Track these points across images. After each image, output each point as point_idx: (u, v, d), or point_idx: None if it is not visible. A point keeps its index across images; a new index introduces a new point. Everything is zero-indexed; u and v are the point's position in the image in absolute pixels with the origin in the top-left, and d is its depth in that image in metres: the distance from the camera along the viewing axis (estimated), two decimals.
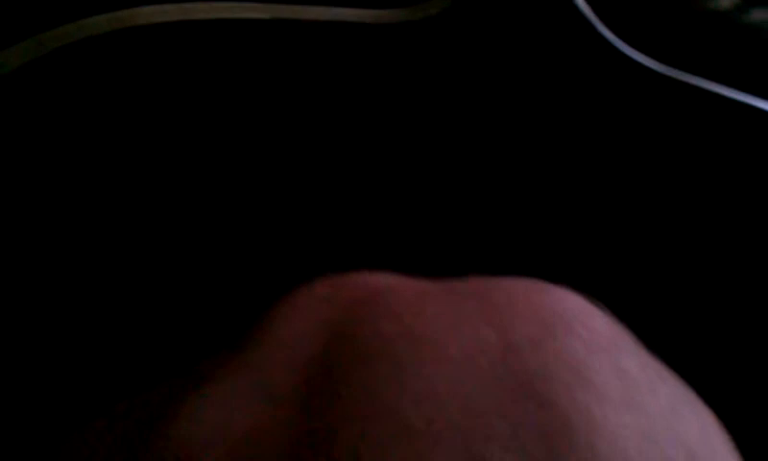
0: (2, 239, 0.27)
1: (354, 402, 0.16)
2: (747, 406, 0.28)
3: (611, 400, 0.16)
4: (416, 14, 0.38)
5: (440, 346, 0.17)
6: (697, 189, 0.35)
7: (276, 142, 0.32)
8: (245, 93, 0.31)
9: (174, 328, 0.27)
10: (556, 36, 0.38)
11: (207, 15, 0.33)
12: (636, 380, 0.17)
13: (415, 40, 0.38)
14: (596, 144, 0.36)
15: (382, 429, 0.15)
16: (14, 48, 0.31)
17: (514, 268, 0.20)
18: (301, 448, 0.16)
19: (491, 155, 0.35)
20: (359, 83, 0.36)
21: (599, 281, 0.26)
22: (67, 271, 0.27)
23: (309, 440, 0.16)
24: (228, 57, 0.32)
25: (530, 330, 0.17)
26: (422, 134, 0.35)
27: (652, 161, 0.35)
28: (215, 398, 0.17)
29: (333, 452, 0.15)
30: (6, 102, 0.30)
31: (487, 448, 0.15)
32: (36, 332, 0.26)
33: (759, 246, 0.33)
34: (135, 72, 0.31)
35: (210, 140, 0.31)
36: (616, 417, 0.16)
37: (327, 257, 0.30)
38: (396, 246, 0.32)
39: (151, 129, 0.30)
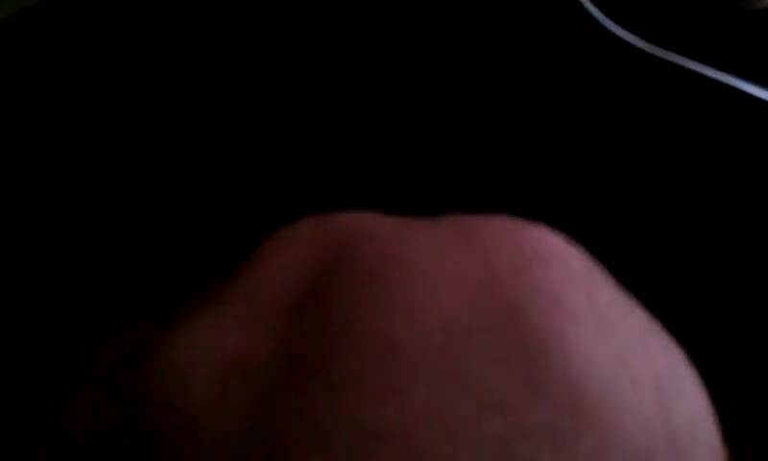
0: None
1: (343, 326, 0.16)
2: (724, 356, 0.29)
3: (585, 325, 0.17)
4: None
5: (424, 270, 0.17)
6: (681, 162, 0.36)
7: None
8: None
9: (167, 266, 0.27)
10: (543, 12, 0.39)
11: None
12: (608, 310, 0.18)
13: None
14: (582, 113, 0.37)
15: (370, 349, 0.16)
16: None
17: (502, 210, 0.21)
18: (295, 369, 0.16)
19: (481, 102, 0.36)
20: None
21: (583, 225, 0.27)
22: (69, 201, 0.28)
23: (302, 363, 0.16)
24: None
25: (510, 261, 0.18)
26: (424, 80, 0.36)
27: (635, 135, 0.36)
28: (206, 324, 0.18)
29: (329, 374, 0.16)
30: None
31: (470, 363, 0.16)
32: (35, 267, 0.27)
33: (742, 219, 0.34)
34: None
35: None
36: (590, 340, 0.17)
37: (318, 199, 0.30)
38: (387, 187, 0.33)
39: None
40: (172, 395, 0.17)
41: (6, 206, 0.28)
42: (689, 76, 0.38)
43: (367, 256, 0.18)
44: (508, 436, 0.15)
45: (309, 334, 0.17)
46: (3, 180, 0.29)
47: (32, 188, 0.29)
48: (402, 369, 0.16)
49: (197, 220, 0.27)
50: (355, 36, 0.37)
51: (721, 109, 0.37)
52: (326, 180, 0.30)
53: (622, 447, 0.16)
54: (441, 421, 0.15)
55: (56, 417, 0.18)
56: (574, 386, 0.16)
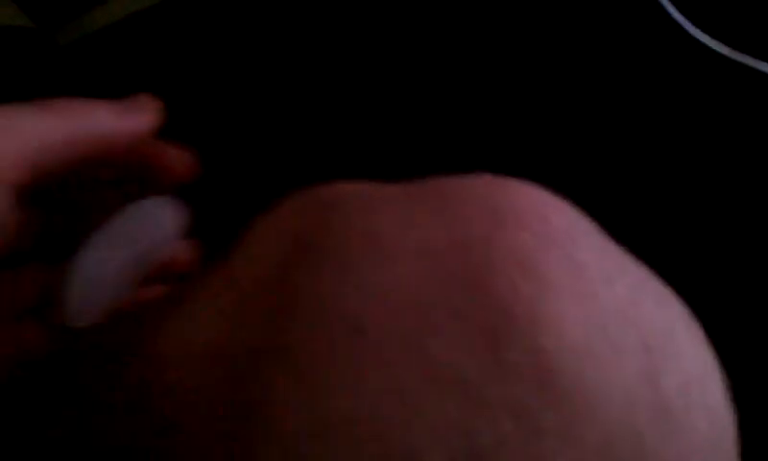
0: None
1: (306, 308, 0.16)
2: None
3: (557, 291, 0.16)
4: None
5: (392, 242, 0.17)
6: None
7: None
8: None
9: None
10: (626, 16, 0.38)
11: None
12: (588, 272, 0.16)
13: None
14: (664, 117, 0.36)
15: (333, 332, 0.16)
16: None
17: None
18: (262, 355, 0.16)
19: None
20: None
21: None
22: None
23: (267, 349, 0.16)
24: None
25: (480, 226, 0.17)
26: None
27: (717, 139, 0.36)
28: (191, 315, 0.18)
29: (288, 360, 0.16)
30: None
31: (434, 343, 0.15)
32: None
33: None
34: None
35: None
36: (562, 308, 0.16)
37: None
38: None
39: None
40: (167, 381, 0.17)
41: None
42: None
43: (335, 232, 0.17)
44: (467, 414, 0.15)
45: (278, 317, 0.16)
46: None
47: None
48: (361, 350, 0.15)
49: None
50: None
51: None
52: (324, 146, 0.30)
53: (597, 421, 0.15)
54: (398, 403, 0.15)
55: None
56: (542, 358, 0.15)
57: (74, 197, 0.24)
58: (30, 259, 0.23)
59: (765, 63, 0.37)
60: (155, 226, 0.23)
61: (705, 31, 0.38)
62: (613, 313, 0.16)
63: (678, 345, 0.17)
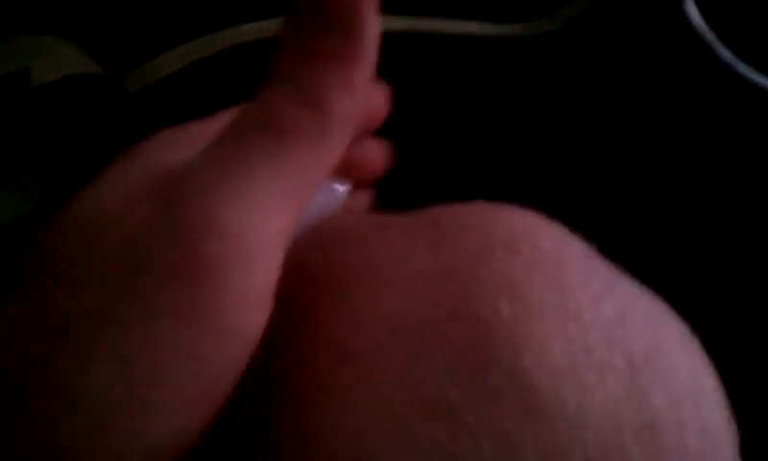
0: None
1: (301, 339, 0.17)
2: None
3: (540, 313, 0.16)
4: (537, 28, 0.39)
5: (386, 278, 0.17)
6: None
7: None
8: None
9: None
10: (671, 53, 0.38)
11: None
12: (574, 294, 0.17)
13: (535, 53, 0.38)
14: (711, 153, 0.36)
15: (325, 358, 0.16)
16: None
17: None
18: (255, 389, 0.16)
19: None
20: (480, 90, 0.37)
21: None
22: None
23: (265, 375, 0.17)
24: None
25: (470, 253, 0.17)
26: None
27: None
28: None
29: (282, 386, 0.16)
30: None
31: (418, 368, 0.16)
32: None
33: None
34: None
35: None
36: (544, 330, 0.16)
37: None
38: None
39: None
40: None
41: None
42: None
43: (334, 269, 0.18)
44: (451, 440, 0.15)
45: (278, 343, 0.17)
46: None
47: None
48: (349, 376, 0.16)
49: None
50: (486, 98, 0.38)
51: None
52: None
53: (579, 441, 0.15)
54: (385, 429, 0.15)
55: None
56: (523, 381, 0.15)
57: None
58: None
59: None
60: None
61: (755, 69, 0.37)
62: (598, 334, 0.16)
63: (668, 363, 0.17)
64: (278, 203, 0.15)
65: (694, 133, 0.36)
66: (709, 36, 0.38)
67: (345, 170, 0.21)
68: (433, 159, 0.35)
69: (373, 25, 0.17)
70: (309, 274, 0.18)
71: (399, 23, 0.38)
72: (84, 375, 0.14)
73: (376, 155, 0.24)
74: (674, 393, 0.16)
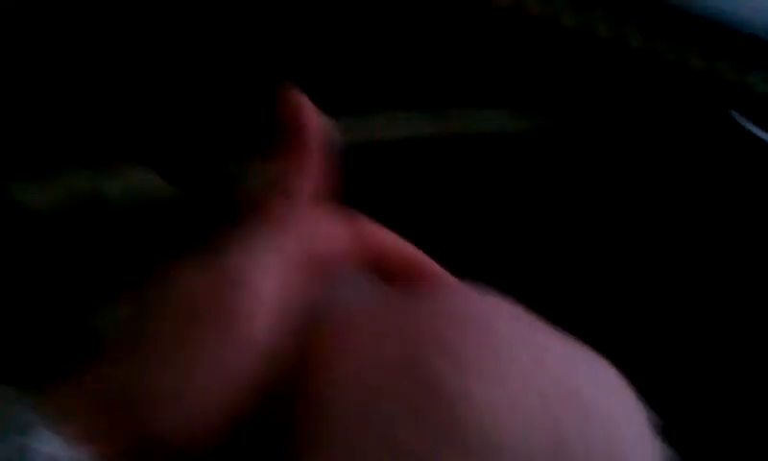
0: None
1: (296, 403, 0.22)
2: None
3: (486, 378, 0.20)
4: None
5: (366, 354, 0.22)
6: None
7: None
8: None
9: None
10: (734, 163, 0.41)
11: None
12: (520, 362, 0.21)
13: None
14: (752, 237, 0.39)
15: (312, 414, 0.21)
16: None
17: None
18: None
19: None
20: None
21: None
22: None
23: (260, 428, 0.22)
24: None
25: (435, 334, 0.22)
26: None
27: None
28: None
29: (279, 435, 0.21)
30: None
31: (386, 423, 0.20)
32: None
33: None
34: None
35: None
36: (488, 391, 0.20)
37: None
38: None
39: None
40: None
41: None
42: None
43: (324, 349, 0.23)
44: None
45: (278, 399, 0.22)
46: None
47: None
48: (329, 430, 0.21)
49: None
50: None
51: None
52: None
53: None
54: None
55: None
56: (455, 422, 0.20)
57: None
58: None
59: None
60: None
61: None
62: (517, 378, 0.21)
63: (583, 398, 0.21)
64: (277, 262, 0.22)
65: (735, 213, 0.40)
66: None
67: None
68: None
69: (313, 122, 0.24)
70: (303, 353, 0.23)
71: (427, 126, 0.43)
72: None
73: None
74: (586, 424, 0.20)
